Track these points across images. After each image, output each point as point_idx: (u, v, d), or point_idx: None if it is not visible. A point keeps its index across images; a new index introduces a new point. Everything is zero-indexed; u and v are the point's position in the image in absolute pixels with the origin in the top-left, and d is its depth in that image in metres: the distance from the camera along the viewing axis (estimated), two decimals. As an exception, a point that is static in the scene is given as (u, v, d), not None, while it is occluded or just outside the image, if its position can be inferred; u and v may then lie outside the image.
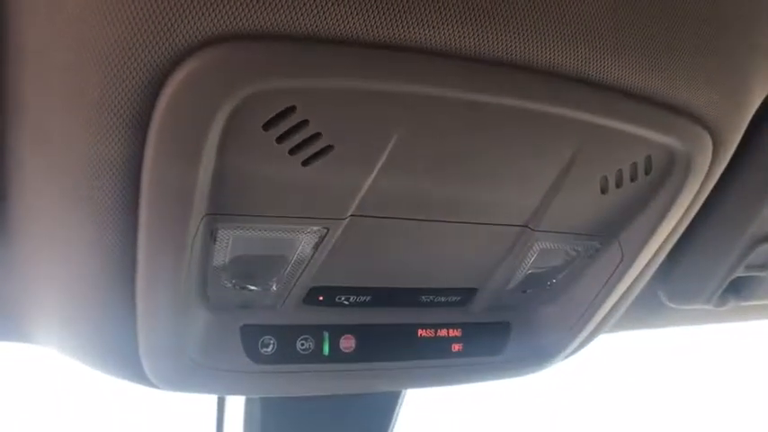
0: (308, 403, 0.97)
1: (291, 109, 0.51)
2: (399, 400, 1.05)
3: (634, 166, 0.66)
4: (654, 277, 0.88)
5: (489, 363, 0.82)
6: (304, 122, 0.52)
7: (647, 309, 1.10)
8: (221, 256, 0.63)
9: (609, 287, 0.79)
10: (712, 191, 0.74)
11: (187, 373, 0.69)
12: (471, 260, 0.74)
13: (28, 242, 0.65)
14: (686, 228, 0.79)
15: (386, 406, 1.04)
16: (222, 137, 0.50)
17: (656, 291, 1.05)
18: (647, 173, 0.67)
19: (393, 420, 1.06)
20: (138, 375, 0.70)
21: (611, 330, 1.10)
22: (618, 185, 0.68)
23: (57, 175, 0.55)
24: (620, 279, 0.78)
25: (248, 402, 0.98)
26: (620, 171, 0.67)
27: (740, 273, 0.98)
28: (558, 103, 0.56)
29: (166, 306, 0.63)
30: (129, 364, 0.68)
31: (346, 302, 0.73)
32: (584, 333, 0.85)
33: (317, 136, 0.53)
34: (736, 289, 1.04)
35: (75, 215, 0.57)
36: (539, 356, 0.86)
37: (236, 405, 1.02)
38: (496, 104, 0.55)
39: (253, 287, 0.68)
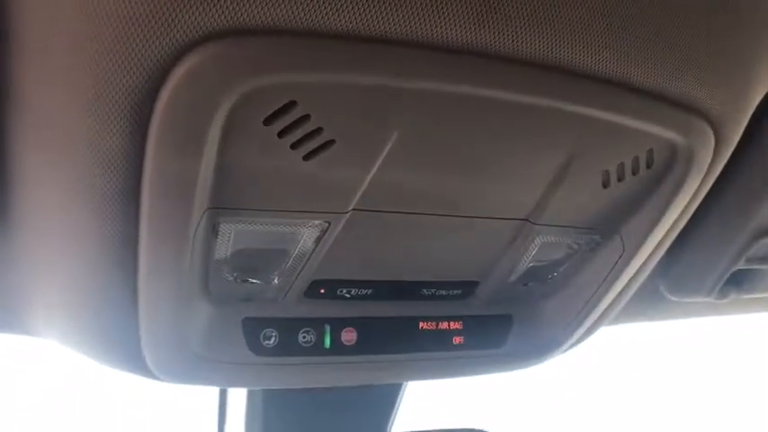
0: (310, 395, 0.97)
1: (292, 104, 0.51)
2: (401, 393, 1.05)
3: (636, 159, 0.66)
4: (655, 270, 0.88)
5: (490, 355, 0.83)
6: (305, 117, 0.52)
7: (647, 302, 1.10)
8: (223, 249, 0.63)
9: (610, 280, 0.80)
10: (713, 185, 0.74)
11: (189, 366, 0.69)
12: (472, 253, 0.74)
13: (29, 235, 0.65)
14: (687, 221, 0.79)
15: (387, 398, 1.05)
16: (223, 131, 0.50)
17: (657, 284, 1.05)
18: (648, 167, 0.67)
19: (394, 412, 1.06)
20: (141, 367, 0.70)
21: (612, 323, 1.10)
22: (620, 179, 0.68)
23: (58, 167, 0.55)
24: (621, 272, 0.79)
25: (250, 394, 0.98)
26: (621, 165, 0.67)
27: (741, 266, 0.98)
28: (559, 98, 0.56)
29: (168, 298, 0.63)
30: (131, 355, 0.68)
31: (348, 295, 0.73)
32: (586, 325, 0.85)
33: (318, 131, 0.53)
34: (737, 282, 1.04)
35: (77, 208, 0.57)
36: (540, 349, 0.86)
37: (238, 397, 1.02)
38: (498, 99, 0.55)
39: (254, 280, 0.69)
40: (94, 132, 0.50)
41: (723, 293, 1.03)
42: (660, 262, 0.86)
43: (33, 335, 0.80)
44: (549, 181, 0.66)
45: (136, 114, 0.49)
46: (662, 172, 0.68)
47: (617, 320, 1.10)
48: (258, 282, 0.69)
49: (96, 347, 0.72)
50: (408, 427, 1.06)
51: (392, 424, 1.07)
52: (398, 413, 1.06)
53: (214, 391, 1.12)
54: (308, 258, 0.67)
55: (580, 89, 0.57)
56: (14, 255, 0.68)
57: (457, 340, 0.80)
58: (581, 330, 0.86)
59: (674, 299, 1.06)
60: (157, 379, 0.72)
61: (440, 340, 0.79)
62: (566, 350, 0.90)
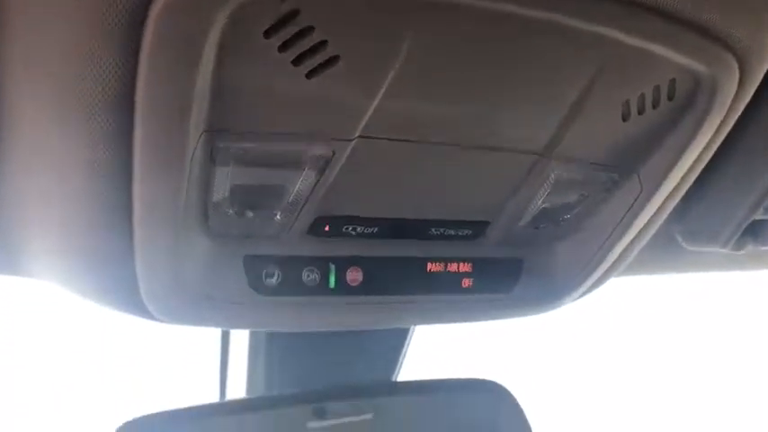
0: (314, 340, 0.95)
1: (295, 13, 0.47)
2: (407, 339, 1.03)
3: (657, 90, 0.64)
4: (671, 217, 0.86)
5: (500, 300, 0.80)
6: (308, 29, 0.49)
7: (662, 252, 1.08)
8: (222, 178, 0.61)
9: (626, 223, 0.77)
10: (734, 129, 0.72)
11: (188, 305, 0.67)
12: (484, 190, 0.71)
13: (21, 172, 0.62)
14: (706, 166, 0.76)
15: (393, 344, 1.03)
16: (220, 46, 0.47)
17: (673, 232, 1.03)
18: (670, 99, 0.64)
19: (401, 359, 1.05)
20: (138, 308, 0.68)
21: (626, 273, 1.08)
22: (640, 112, 0.65)
23: (49, 95, 0.52)
24: (637, 215, 0.76)
25: (253, 339, 0.97)
26: (642, 96, 0.64)
27: (759, 216, 0.96)
28: (582, 17, 0.53)
29: (165, 232, 0.60)
30: (128, 295, 0.66)
31: (353, 233, 0.71)
32: (599, 272, 0.83)
33: (322, 44, 0.50)
34: (755, 233, 1.02)
35: (69, 139, 0.54)
36: (551, 295, 0.84)
37: (240, 342, 1.01)
38: (517, 16, 0.51)
39: (255, 214, 0.66)
40: (83, 59, 0.48)
41: (740, 244, 1.01)
42: (676, 208, 0.83)
43: (29, 276, 0.78)
44: (567, 110, 0.63)
45: (126, 34, 0.46)
46: (684, 105, 0.66)
47: (631, 271, 1.08)
48: (259, 216, 0.66)
49: (92, 288, 0.70)
50: (415, 375, 1.05)
51: (398, 371, 1.06)
52: (405, 360, 1.05)
53: (216, 337, 1.11)
54: (312, 191, 0.64)
55: (604, 9, 0.54)
56: (7, 194, 0.65)
57: (466, 283, 0.78)
58: (594, 277, 0.84)
59: (689, 248, 1.04)
60: (156, 320, 0.70)
61: (448, 282, 0.77)
62: (578, 298, 0.88)
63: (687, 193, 0.80)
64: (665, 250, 1.08)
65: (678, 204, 0.82)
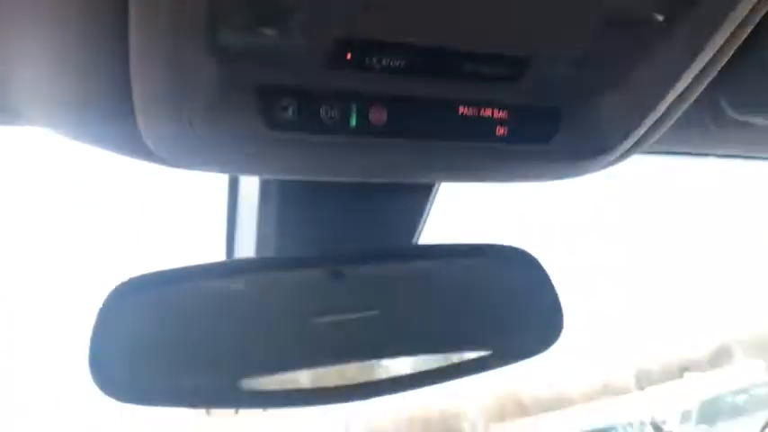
0: (330, 195, 0.89)
1: None
2: (430, 198, 0.97)
3: None
4: (717, 85, 0.79)
5: (535, 152, 0.74)
6: None
7: (701, 130, 1.01)
8: None
9: (675, 73, 0.70)
10: None
11: (193, 141, 0.60)
12: (525, 15, 0.64)
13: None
14: (758, 24, 0.68)
15: (415, 204, 0.97)
16: None
17: (718, 100, 0.96)
18: None
19: (422, 221, 0.99)
20: (137, 146, 0.61)
21: (663, 152, 1.03)
22: None
23: None
24: (687, 66, 0.68)
25: (263, 188, 0.91)
26: None
27: None
28: None
29: (166, 47, 0.53)
30: (126, 132, 0.60)
31: (378, 66, 0.63)
32: (642, 129, 0.76)
33: None
34: None
35: None
36: (588, 152, 0.77)
37: (250, 188, 0.95)
38: None
39: (268, 31, 0.58)
40: None
41: None
42: (723, 75, 0.76)
43: (18, 123, 0.71)
44: None
45: None
46: None
47: (669, 148, 1.03)
48: (273, 33, 0.58)
49: (87, 127, 0.63)
50: (435, 239, 1.00)
51: (418, 236, 1.01)
52: (426, 222, 1.00)
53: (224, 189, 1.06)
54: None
55: None
56: None
57: (500, 131, 0.71)
58: (636, 135, 0.76)
59: (737, 117, 0.97)
60: (157, 160, 0.64)
61: (481, 128, 0.70)
62: (616, 160, 0.81)
63: (736, 55, 0.72)
64: (704, 128, 1.01)
65: (725, 69, 0.74)
